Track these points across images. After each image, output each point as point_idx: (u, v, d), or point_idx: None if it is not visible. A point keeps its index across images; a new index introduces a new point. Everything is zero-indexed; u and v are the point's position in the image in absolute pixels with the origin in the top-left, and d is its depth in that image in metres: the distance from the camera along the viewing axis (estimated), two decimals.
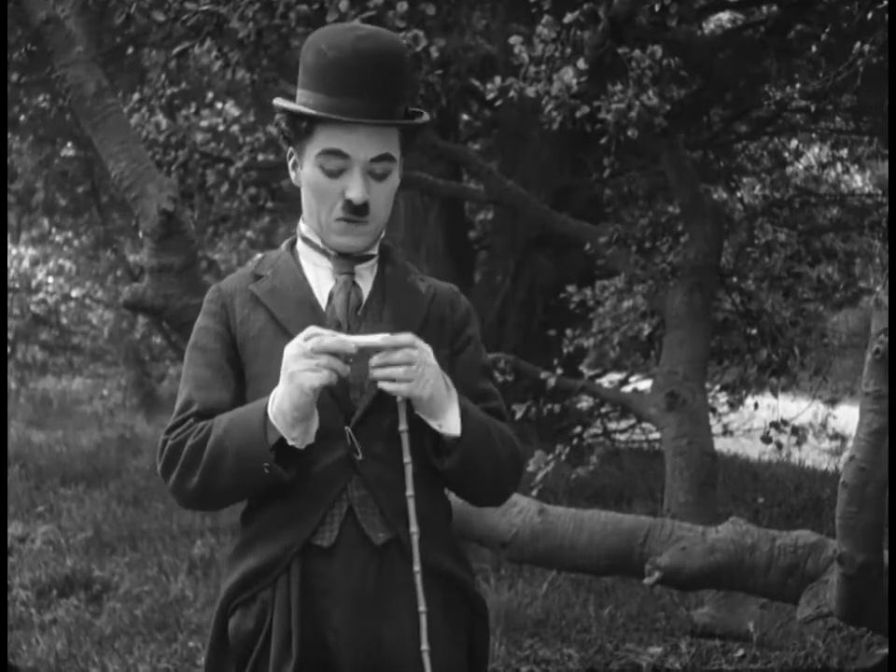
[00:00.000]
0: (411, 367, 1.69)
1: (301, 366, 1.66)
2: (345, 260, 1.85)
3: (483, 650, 1.92)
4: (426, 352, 1.72)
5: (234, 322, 1.85)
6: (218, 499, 1.82)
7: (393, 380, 1.69)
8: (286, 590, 1.77)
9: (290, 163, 1.87)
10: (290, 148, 1.86)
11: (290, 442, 1.70)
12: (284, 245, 1.94)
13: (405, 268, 1.92)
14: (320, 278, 1.86)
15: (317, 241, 1.87)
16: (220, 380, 1.82)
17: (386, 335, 1.70)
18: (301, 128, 1.80)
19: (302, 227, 1.90)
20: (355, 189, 1.78)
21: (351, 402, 1.77)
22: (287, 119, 1.81)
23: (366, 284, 1.87)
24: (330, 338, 1.67)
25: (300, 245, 1.90)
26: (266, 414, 1.70)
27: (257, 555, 1.79)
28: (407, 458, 1.76)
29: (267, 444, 1.70)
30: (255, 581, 1.79)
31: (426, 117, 1.85)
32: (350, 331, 1.79)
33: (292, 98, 1.86)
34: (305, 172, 1.82)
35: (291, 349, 1.68)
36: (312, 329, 1.69)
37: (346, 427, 1.76)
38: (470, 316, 1.94)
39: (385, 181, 1.81)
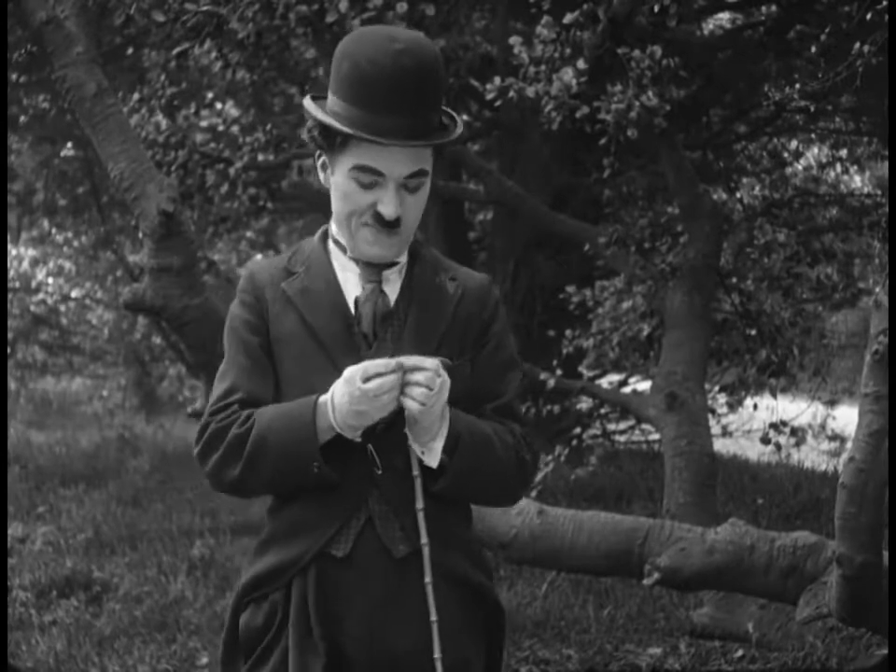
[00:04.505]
0: (429, 391, 1.71)
1: (365, 406, 1.70)
2: (373, 269, 1.85)
3: (498, 652, 1.94)
4: (446, 382, 1.74)
5: (268, 317, 1.86)
6: (254, 491, 1.86)
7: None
8: (301, 594, 1.79)
9: (319, 164, 1.86)
10: (319, 151, 1.85)
11: (358, 440, 1.77)
12: (317, 238, 1.93)
13: (434, 266, 1.91)
14: (349, 281, 1.86)
15: (346, 245, 1.87)
16: (261, 371, 1.84)
17: (417, 357, 1.73)
18: (335, 141, 1.78)
19: (333, 228, 1.90)
20: (388, 205, 1.77)
21: None
22: (321, 130, 1.79)
23: (393, 289, 1.87)
24: (390, 378, 1.70)
25: (330, 244, 1.90)
26: (314, 417, 1.74)
27: (272, 557, 1.82)
28: (416, 471, 1.79)
29: (317, 447, 1.74)
30: (268, 582, 1.82)
31: (460, 126, 1.83)
32: (376, 340, 1.82)
33: (321, 98, 1.84)
34: (337, 180, 1.82)
35: (354, 391, 1.70)
36: (369, 370, 1.70)
37: (368, 445, 1.78)
38: (498, 311, 1.94)
39: (417, 193, 1.81)
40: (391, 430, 1.79)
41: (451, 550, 1.84)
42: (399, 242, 1.83)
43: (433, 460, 1.78)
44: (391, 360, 1.71)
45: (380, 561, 1.79)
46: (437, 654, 1.77)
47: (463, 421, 1.81)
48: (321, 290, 1.85)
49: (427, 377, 1.71)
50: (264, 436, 1.76)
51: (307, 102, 1.83)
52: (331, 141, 1.79)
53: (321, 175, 1.88)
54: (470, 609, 1.87)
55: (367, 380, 1.69)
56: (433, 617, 1.78)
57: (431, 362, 1.73)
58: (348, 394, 1.71)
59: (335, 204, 1.85)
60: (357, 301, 1.84)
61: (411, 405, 1.72)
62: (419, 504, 1.78)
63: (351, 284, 1.86)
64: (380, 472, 1.79)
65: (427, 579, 1.79)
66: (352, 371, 1.71)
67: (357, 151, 1.77)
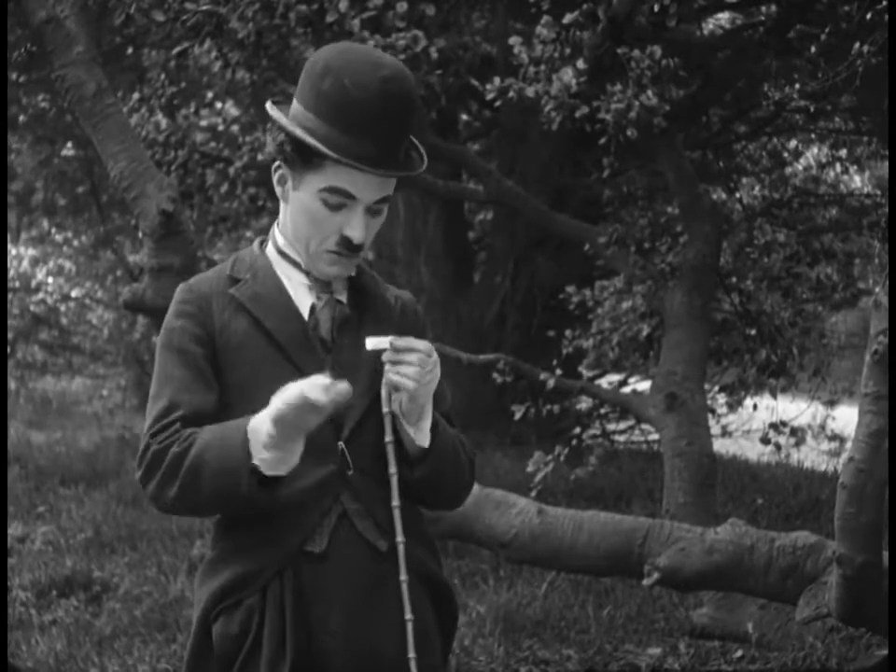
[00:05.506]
0: (423, 369, 1.74)
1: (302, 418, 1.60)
2: (324, 280, 1.86)
3: (448, 648, 1.96)
4: (437, 364, 1.78)
5: (213, 327, 1.81)
6: (197, 511, 1.82)
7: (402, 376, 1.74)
8: (278, 595, 1.77)
9: (276, 176, 1.84)
10: (280, 163, 1.82)
11: (268, 472, 1.66)
12: (256, 247, 1.91)
13: (373, 279, 1.94)
14: (297, 291, 1.86)
15: (297, 259, 1.86)
16: (204, 383, 1.79)
17: (409, 339, 1.76)
18: (309, 159, 1.76)
19: (280, 240, 1.88)
20: (356, 230, 1.78)
21: (341, 417, 1.78)
22: (295, 146, 1.77)
23: (342, 298, 1.88)
24: (345, 389, 1.57)
25: (273, 254, 1.88)
26: (247, 436, 1.67)
27: (242, 562, 1.79)
28: (393, 469, 1.79)
29: (248, 467, 1.66)
30: (241, 587, 1.78)
31: (425, 157, 1.84)
32: (334, 346, 1.82)
33: (283, 104, 1.82)
34: (302, 198, 1.80)
35: (299, 401, 1.57)
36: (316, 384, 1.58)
37: (339, 443, 1.79)
38: (427, 324, 2.00)
39: (379, 216, 1.83)
40: (358, 431, 1.80)
41: (420, 547, 1.86)
42: (357, 261, 1.86)
43: (424, 439, 1.80)
44: (385, 339, 1.74)
45: (357, 556, 1.79)
46: (411, 654, 1.77)
47: (434, 412, 1.84)
48: (273, 295, 1.84)
49: (419, 358, 1.74)
50: (201, 455, 1.70)
51: (278, 114, 1.79)
52: (305, 159, 1.77)
53: (278, 190, 1.85)
54: (436, 606, 1.89)
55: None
56: (408, 615, 1.78)
57: (423, 344, 1.76)
58: (295, 406, 1.58)
59: (295, 221, 1.83)
60: (313, 308, 1.84)
61: (406, 383, 1.73)
62: (395, 501, 1.79)
63: (300, 293, 1.85)
64: (351, 472, 1.79)
65: (403, 576, 1.79)
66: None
67: (330, 172, 1.75)
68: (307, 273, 1.85)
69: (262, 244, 1.92)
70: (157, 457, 1.73)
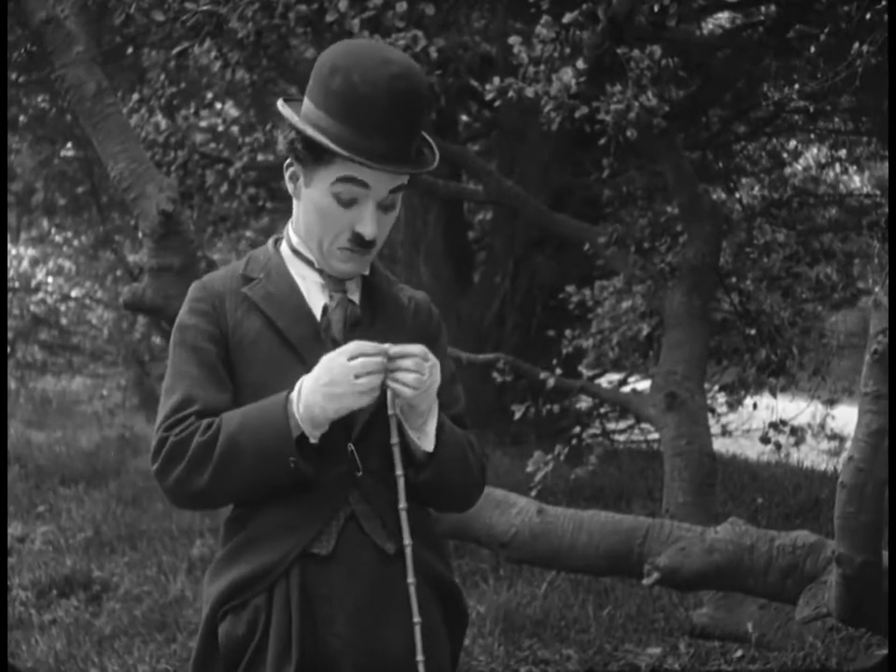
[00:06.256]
0: (420, 376, 1.72)
1: (343, 388, 1.69)
2: (337, 279, 1.86)
3: (458, 650, 1.96)
4: (435, 366, 1.76)
5: (227, 325, 1.82)
6: (225, 497, 1.81)
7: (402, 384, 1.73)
8: (284, 596, 1.77)
9: (288, 173, 1.84)
10: (291, 160, 1.83)
11: (312, 440, 1.73)
12: (270, 246, 1.91)
13: (387, 279, 1.94)
14: (310, 290, 1.86)
15: (310, 257, 1.86)
16: (217, 380, 1.80)
17: (404, 345, 1.74)
18: (320, 156, 1.77)
19: (294, 238, 1.88)
20: (368, 226, 1.78)
21: (350, 418, 1.78)
22: (305, 143, 1.77)
23: (354, 298, 1.88)
24: (375, 360, 1.70)
25: (287, 253, 1.89)
26: (287, 411, 1.72)
27: (250, 562, 1.79)
28: (399, 471, 1.79)
29: (292, 441, 1.71)
30: (248, 588, 1.79)
31: (437, 152, 1.84)
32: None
33: (294, 101, 1.83)
34: (313, 194, 1.80)
35: (334, 368, 1.69)
36: (358, 349, 1.70)
37: (349, 445, 1.79)
38: (441, 325, 1.99)
39: (391, 212, 1.82)
40: (366, 432, 1.80)
41: (428, 549, 1.86)
42: (370, 258, 1.86)
43: (429, 444, 1.79)
44: (379, 345, 1.72)
45: (364, 557, 1.79)
46: (419, 657, 1.77)
47: (441, 414, 1.83)
48: (286, 294, 1.84)
49: (415, 362, 1.72)
50: (235, 438, 1.72)
51: (289, 112, 1.79)
52: (316, 156, 1.77)
53: (290, 187, 1.85)
54: (444, 608, 1.89)
55: (352, 359, 1.70)
56: (416, 618, 1.78)
57: (418, 348, 1.74)
58: (327, 374, 1.69)
59: (307, 219, 1.83)
60: (325, 309, 1.84)
61: (404, 391, 1.72)
62: (402, 504, 1.79)
63: (313, 292, 1.85)
64: (360, 474, 1.79)
65: (411, 579, 1.79)
66: (335, 352, 1.71)
67: (341, 167, 1.76)
68: (321, 272, 1.85)
69: (277, 242, 1.92)
70: (177, 448, 1.74)
